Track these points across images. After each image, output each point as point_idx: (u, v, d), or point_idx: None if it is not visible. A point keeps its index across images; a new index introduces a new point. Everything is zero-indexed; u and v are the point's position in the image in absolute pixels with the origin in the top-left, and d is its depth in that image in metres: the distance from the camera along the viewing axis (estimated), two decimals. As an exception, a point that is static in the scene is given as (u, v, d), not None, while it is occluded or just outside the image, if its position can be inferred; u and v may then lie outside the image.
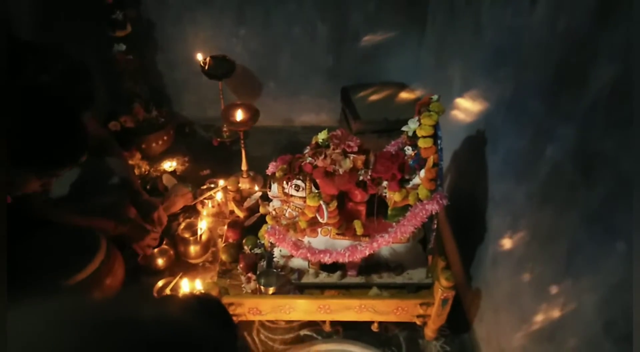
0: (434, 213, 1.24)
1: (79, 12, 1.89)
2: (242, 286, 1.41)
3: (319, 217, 1.28)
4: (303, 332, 1.53)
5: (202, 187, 2.00)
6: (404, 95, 2.19)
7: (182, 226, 1.76)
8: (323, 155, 1.24)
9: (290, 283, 1.41)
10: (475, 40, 1.52)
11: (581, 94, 0.93)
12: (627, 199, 0.80)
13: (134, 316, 0.44)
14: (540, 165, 1.09)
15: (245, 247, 1.50)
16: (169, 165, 2.17)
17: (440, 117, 1.22)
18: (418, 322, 1.45)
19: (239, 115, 1.77)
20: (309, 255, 1.31)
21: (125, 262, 1.55)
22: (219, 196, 1.92)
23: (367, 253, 1.30)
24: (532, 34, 1.14)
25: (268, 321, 1.53)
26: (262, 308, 1.41)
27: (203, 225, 1.75)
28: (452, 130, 1.64)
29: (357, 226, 1.31)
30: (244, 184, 1.94)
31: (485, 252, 1.41)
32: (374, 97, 2.18)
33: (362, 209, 1.34)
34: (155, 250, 1.69)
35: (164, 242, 1.70)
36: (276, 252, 1.43)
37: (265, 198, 1.45)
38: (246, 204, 1.73)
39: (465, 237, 1.61)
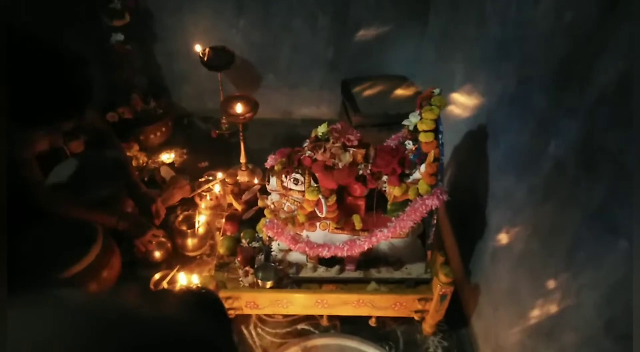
0: (434, 208, 1.23)
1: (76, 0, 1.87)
2: (240, 279, 1.40)
3: (317, 212, 1.27)
4: (300, 326, 1.52)
5: (200, 180, 1.98)
6: (405, 88, 2.17)
7: (179, 219, 1.75)
8: (322, 149, 1.23)
9: (288, 277, 1.41)
10: (478, 33, 1.51)
11: (586, 88, 0.92)
12: (629, 195, 0.79)
13: (134, 315, 0.44)
14: (542, 161, 1.08)
15: (243, 241, 1.49)
16: (167, 157, 2.16)
17: (441, 111, 1.20)
18: (416, 317, 1.45)
19: (238, 107, 1.75)
20: (307, 249, 1.31)
21: (122, 255, 1.55)
22: (217, 188, 1.91)
23: (366, 248, 1.30)
24: (537, 27, 1.12)
25: (265, 315, 1.53)
26: (259, 302, 1.40)
27: (201, 218, 1.74)
28: (453, 125, 1.62)
29: (356, 220, 1.31)
30: (243, 177, 1.93)
31: (485, 248, 1.41)
32: (374, 90, 2.16)
33: (362, 203, 1.33)
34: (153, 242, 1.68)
35: (162, 235, 1.69)
36: (274, 246, 1.42)
37: (264, 191, 1.43)
38: (244, 197, 1.73)
39: (464, 232, 1.60)
